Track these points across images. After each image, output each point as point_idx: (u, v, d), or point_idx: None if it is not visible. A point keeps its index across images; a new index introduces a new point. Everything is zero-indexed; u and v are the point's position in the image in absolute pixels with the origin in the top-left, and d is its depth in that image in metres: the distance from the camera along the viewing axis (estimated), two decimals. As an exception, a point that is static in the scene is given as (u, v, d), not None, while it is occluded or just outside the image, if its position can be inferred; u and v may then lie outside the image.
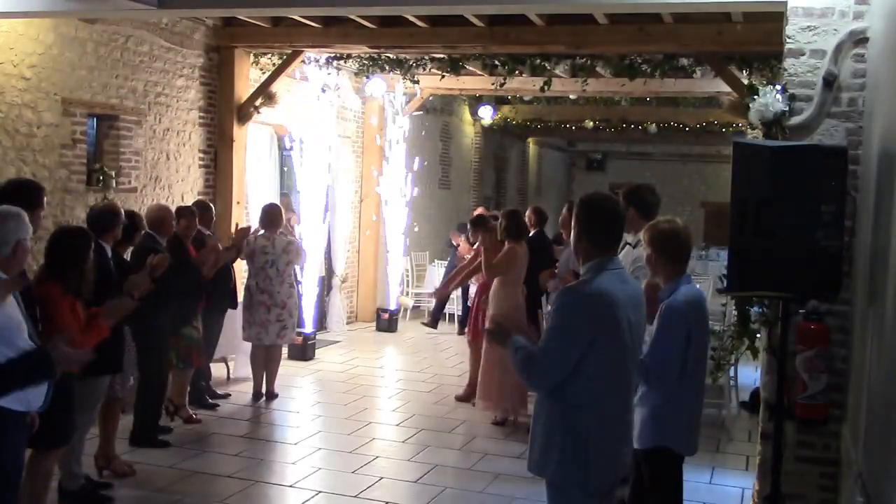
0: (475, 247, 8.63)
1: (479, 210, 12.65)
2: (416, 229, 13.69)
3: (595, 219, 3.40)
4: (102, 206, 5.85)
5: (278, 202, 8.93)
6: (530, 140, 20.65)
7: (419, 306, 13.82)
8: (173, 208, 6.95)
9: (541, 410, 3.36)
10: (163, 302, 6.31)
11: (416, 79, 10.98)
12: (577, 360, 3.22)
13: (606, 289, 3.26)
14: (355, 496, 5.68)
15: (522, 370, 3.35)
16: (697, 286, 4.12)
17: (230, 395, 8.08)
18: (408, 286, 13.76)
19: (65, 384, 4.24)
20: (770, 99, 4.77)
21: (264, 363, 8.07)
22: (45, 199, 4.82)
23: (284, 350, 9.83)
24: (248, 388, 8.19)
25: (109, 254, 5.46)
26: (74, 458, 5.27)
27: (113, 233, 5.52)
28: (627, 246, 5.65)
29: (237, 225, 8.21)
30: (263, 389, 8.07)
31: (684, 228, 4.08)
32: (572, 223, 3.49)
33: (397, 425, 7.39)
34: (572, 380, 3.24)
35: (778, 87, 4.82)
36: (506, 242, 7.58)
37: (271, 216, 8.05)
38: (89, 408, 5.31)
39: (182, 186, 8.91)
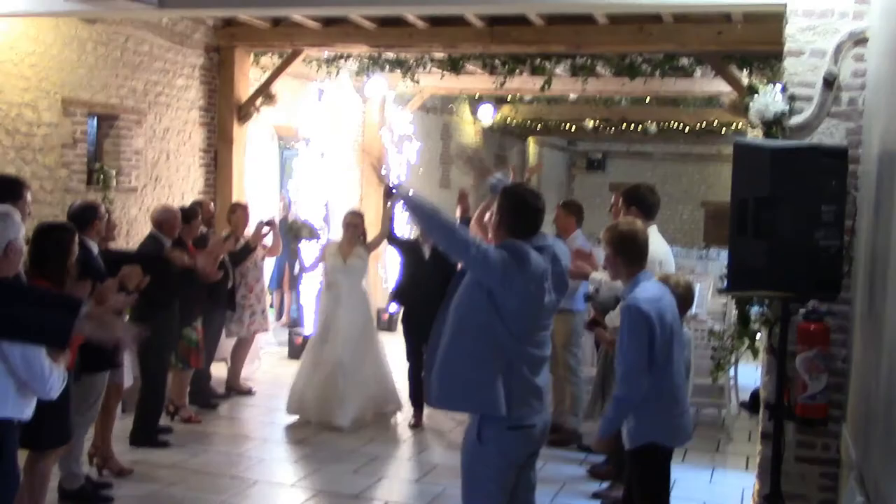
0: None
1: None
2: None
3: (515, 209, 3.63)
4: (81, 202, 5.79)
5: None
6: (530, 140, 20.65)
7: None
8: (177, 208, 6.95)
9: (461, 349, 3.52)
10: (165, 302, 6.33)
11: (416, 79, 10.98)
12: (495, 303, 3.44)
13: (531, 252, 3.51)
14: (355, 496, 5.69)
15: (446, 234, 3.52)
16: (654, 280, 4.08)
17: (230, 394, 8.08)
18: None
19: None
20: (770, 99, 4.77)
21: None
22: (29, 193, 4.83)
23: (284, 350, 9.87)
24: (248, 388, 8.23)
25: (95, 251, 5.37)
26: (73, 458, 5.27)
27: (95, 228, 5.41)
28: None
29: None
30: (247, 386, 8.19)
31: (642, 230, 4.09)
32: (495, 210, 3.71)
33: (397, 425, 7.39)
34: (494, 321, 3.46)
35: (778, 87, 4.83)
36: None
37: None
38: (88, 407, 5.30)
39: (182, 186, 8.92)
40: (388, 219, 7.31)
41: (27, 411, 3.70)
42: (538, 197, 3.71)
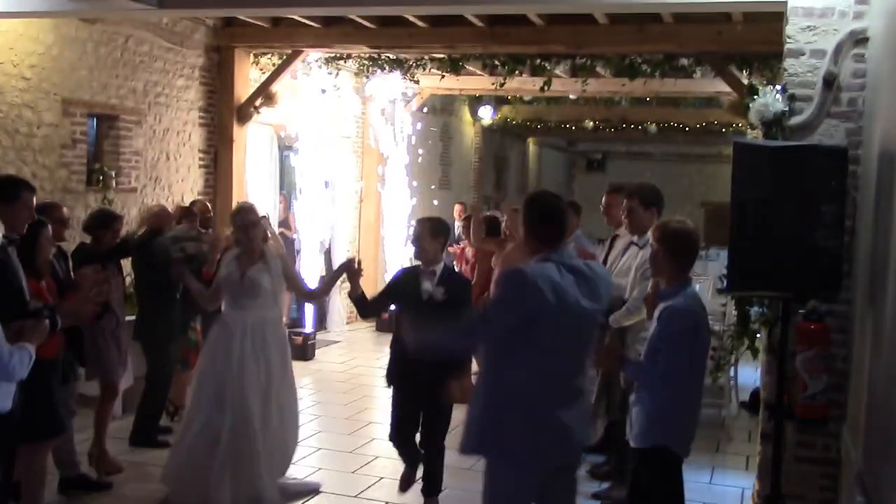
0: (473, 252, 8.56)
1: (459, 209, 12.60)
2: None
3: (544, 218, 3.55)
4: (40, 203, 5.62)
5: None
6: (530, 140, 20.66)
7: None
8: (172, 209, 6.95)
9: (482, 393, 3.51)
10: (166, 303, 6.32)
11: (416, 79, 10.98)
12: (514, 340, 3.36)
13: (541, 274, 3.38)
14: (355, 496, 5.68)
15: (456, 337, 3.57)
16: (697, 286, 4.11)
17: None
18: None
19: (40, 378, 4.21)
20: (770, 99, 4.77)
21: None
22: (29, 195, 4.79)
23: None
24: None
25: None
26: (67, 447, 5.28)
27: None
28: (633, 246, 5.65)
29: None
30: None
31: (696, 231, 4.04)
32: (520, 222, 3.64)
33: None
34: (511, 362, 3.39)
35: (778, 87, 4.83)
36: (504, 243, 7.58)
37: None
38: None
39: (182, 186, 8.92)
40: (332, 280, 6.13)
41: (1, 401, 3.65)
42: (559, 198, 3.65)
